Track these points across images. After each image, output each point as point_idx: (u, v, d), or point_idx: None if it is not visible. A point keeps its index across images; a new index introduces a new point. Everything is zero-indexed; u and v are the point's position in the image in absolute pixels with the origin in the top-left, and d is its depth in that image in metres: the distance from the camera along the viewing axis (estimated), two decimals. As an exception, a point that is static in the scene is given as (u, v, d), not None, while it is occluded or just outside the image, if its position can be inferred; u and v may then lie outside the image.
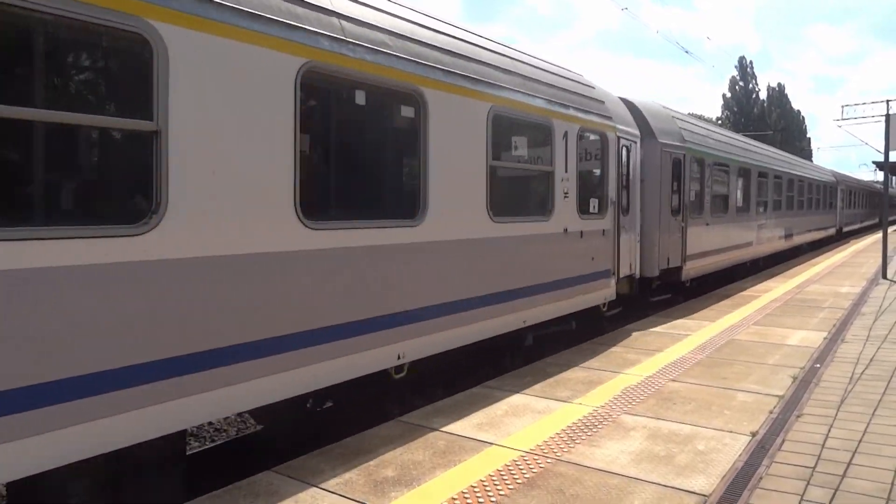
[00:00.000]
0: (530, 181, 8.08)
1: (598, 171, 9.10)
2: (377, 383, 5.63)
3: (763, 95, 78.04)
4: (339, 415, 6.18)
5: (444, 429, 5.10)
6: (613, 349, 7.88)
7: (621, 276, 9.71)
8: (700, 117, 38.57)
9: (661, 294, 12.00)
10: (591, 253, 8.57)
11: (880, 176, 47.81)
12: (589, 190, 8.76)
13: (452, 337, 6.17)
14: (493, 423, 5.24)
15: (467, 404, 5.71)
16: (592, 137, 8.84)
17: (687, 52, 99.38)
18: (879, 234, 29.59)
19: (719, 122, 69.73)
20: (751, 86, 77.69)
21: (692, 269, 12.61)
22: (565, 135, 7.88)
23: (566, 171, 7.90)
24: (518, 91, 7.10)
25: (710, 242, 13.56)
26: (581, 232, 8.27)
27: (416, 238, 5.71)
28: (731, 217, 15.03)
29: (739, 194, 15.84)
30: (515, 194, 8.06)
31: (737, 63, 78.06)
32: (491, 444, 4.81)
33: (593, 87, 9.28)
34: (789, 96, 78.82)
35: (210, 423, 7.40)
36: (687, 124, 13.14)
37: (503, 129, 7.04)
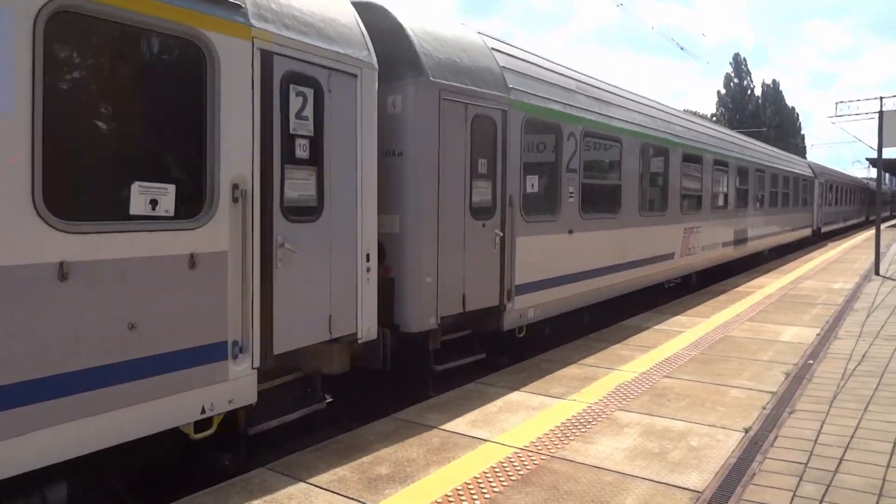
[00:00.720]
0: None
1: (168, 123, 4.21)
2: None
3: (758, 92, 78.30)
4: (333, 411, 6.17)
5: (438, 426, 5.11)
6: (608, 346, 7.89)
7: (299, 345, 4.92)
8: (695, 113, 38.51)
9: (462, 357, 6.90)
10: (126, 316, 3.71)
11: (874, 173, 47.82)
12: (117, 162, 3.92)
13: None
14: (487, 420, 5.25)
15: (462, 401, 5.72)
16: (132, 41, 3.88)
17: (682, 48, 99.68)
18: (864, 235, 29.90)
19: (714, 118, 69.87)
20: (745, 82, 77.86)
21: (531, 307, 7.62)
22: None
23: None
24: None
25: (575, 261, 8.58)
26: (61, 267, 3.40)
27: None
28: (630, 218, 10.06)
29: (648, 185, 10.88)
30: None
31: (731, 59, 78.41)
32: (485, 440, 4.82)
33: None
34: (784, 92, 79.02)
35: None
36: (526, 65, 8.00)
37: None
